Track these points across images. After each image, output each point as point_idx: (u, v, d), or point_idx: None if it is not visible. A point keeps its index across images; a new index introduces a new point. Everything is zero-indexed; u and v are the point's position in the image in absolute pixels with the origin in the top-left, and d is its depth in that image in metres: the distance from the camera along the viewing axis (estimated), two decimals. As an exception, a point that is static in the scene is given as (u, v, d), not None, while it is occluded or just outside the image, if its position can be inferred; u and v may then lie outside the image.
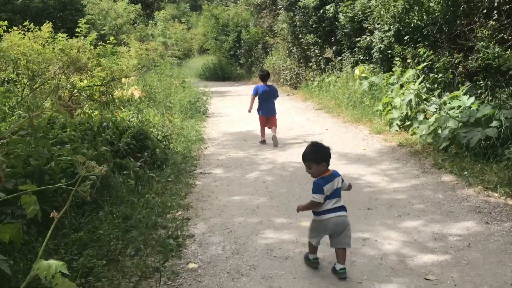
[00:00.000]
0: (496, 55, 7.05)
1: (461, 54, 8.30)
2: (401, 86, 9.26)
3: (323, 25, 14.25)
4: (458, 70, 8.40)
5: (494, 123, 6.02)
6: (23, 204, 2.79)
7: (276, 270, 3.64)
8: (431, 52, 8.82)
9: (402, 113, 8.31)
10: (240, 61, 24.25)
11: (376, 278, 3.46)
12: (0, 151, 3.46)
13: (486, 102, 6.96)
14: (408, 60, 9.73)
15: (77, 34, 11.81)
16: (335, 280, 3.46)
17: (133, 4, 21.83)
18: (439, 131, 6.84)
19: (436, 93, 8.39)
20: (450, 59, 8.56)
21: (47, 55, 9.81)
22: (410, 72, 8.99)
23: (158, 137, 7.59)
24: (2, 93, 8.12)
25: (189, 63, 29.75)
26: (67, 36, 10.77)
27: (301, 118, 10.88)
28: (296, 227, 4.47)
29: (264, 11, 20.30)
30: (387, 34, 10.53)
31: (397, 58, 10.28)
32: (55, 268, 2.18)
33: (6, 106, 7.48)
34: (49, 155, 4.48)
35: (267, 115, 8.47)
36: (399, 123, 8.32)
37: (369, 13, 11.21)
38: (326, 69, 14.41)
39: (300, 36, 15.55)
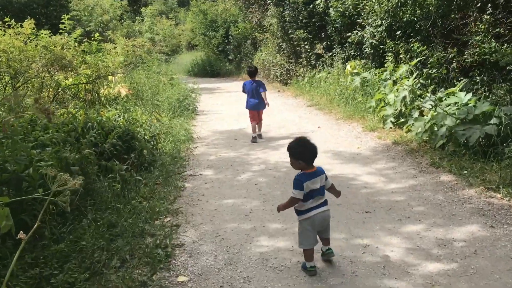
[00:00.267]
0: (492, 49, 6.86)
1: (455, 49, 8.12)
2: (394, 82, 9.07)
3: (313, 20, 14.00)
4: (452, 65, 8.21)
5: (493, 120, 5.82)
6: (-6, 219, 2.52)
7: (273, 283, 3.41)
8: (425, 47, 8.62)
9: (396, 109, 8.10)
10: (229, 57, 23.94)
11: (380, 289, 3.24)
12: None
13: (483, 98, 6.79)
14: (401, 56, 9.55)
15: (60, 31, 11.43)
16: (336, 292, 3.23)
17: (119, 0, 21.41)
18: (435, 128, 6.65)
19: (430, 89, 8.20)
20: (444, 54, 8.37)
21: (30, 53, 9.46)
22: (404, 68, 8.80)
23: (146, 137, 7.31)
24: (-19, 93, 7.78)
25: (177, 60, 29.36)
26: (50, 32, 10.43)
27: (293, 115, 10.65)
28: (292, 233, 4.23)
29: (253, 6, 19.99)
30: (379, 29, 10.33)
31: (389, 54, 10.09)
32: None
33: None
34: (28, 160, 4.19)
35: (255, 109, 8.56)
36: (393, 120, 8.11)
37: (361, 8, 10.99)
38: (317, 65, 14.19)
39: (290, 31, 15.30)
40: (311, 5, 13.81)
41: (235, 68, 23.36)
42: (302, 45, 14.70)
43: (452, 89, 7.14)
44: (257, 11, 19.75)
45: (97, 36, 11.41)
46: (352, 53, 12.12)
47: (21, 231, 2.21)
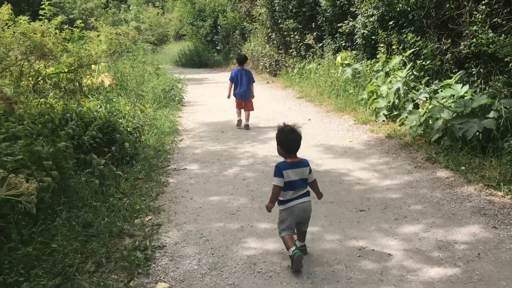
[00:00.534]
0: (490, 40, 6.60)
1: (449, 40, 7.86)
2: (387, 73, 8.81)
3: (304, 9, 13.67)
4: (447, 56, 7.95)
5: (492, 114, 5.57)
6: None
7: (261, 291, 3.12)
8: (418, 38, 8.35)
9: (389, 102, 7.84)
10: (217, 48, 23.53)
11: (377, 298, 2.97)
12: None
13: (479, 91, 6.54)
14: (394, 47, 9.27)
15: (40, 17, 10.96)
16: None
17: (104, -13, 20.88)
18: (430, 122, 6.39)
19: (423, 81, 7.95)
20: (438, 45, 8.11)
21: (7, 39, 9.05)
22: (397, 59, 8.51)
23: (128, 129, 6.96)
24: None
25: (164, 50, 28.87)
26: (29, 19, 9.99)
27: (282, 107, 10.34)
28: (281, 234, 3.94)
29: (242, -4, 19.61)
30: (371, 19, 10.03)
31: (381, 45, 9.80)
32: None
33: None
34: (-6, 154, 3.85)
35: (242, 99, 8.62)
36: (386, 112, 7.85)
37: (353, -3, 10.70)
38: (307, 55, 13.85)
39: (279, 21, 14.94)
40: (302, -6, 13.48)
41: (223, 59, 22.96)
42: (292, 36, 14.36)
43: (448, 81, 6.88)
44: (246, 0, 19.36)
45: (80, 23, 10.96)
46: (343, 44, 11.84)
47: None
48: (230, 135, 7.88)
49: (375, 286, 3.10)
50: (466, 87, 6.43)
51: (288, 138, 3.51)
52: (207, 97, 12.63)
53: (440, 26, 8.39)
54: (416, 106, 7.14)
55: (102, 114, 6.83)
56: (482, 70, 6.99)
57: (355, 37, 10.96)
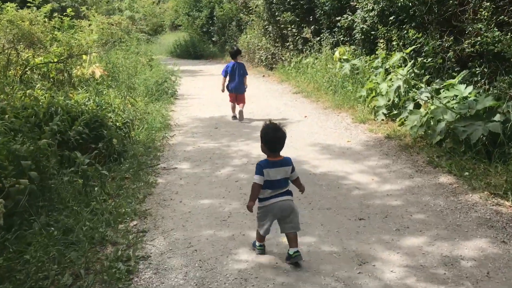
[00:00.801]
0: (496, 39, 6.34)
1: (451, 38, 7.60)
2: (386, 70, 8.54)
3: (301, 2, 13.34)
4: (448, 55, 7.68)
5: (498, 117, 5.32)
6: None
7: (252, 312, 2.86)
8: (420, 34, 8.07)
9: (389, 100, 7.57)
10: (213, 39, 23.14)
11: (379, 323, 2.71)
12: None
13: (483, 91, 6.28)
14: (394, 43, 9.00)
15: (28, 4, 10.57)
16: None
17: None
18: (432, 123, 6.14)
19: (424, 80, 7.69)
20: (440, 43, 7.84)
21: (-7, 27, 8.70)
22: (397, 56, 8.24)
23: (118, 123, 6.67)
24: None
25: (159, 40, 28.43)
26: (17, 6, 9.61)
27: (278, 102, 10.05)
28: (275, 244, 3.68)
29: (239, -14, 19.21)
30: (371, 14, 9.75)
31: (381, 40, 9.53)
32: None
33: None
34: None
35: (235, 92, 8.57)
36: (385, 111, 7.59)
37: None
38: (304, 49, 13.54)
39: (276, 13, 14.60)
40: (300, -14, 13.16)
41: (219, 51, 22.59)
42: (289, 29, 14.03)
43: (451, 81, 6.61)
44: (243, -9, 18.97)
45: (70, 11, 10.59)
46: (342, 39, 11.54)
47: None
48: (224, 131, 7.60)
49: (376, 309, 2.84)
50: (470, 87, 6.17)
51: (272, 137, 3.43)
52: (201, 90, 12.31)
53: (442, 22, 8.11)
54: (417, 106, 6.89)
55: (90, 108, 6.52)
56: (486, 70, 6.74)
57: (354, 32, 10.67)
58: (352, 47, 10.86)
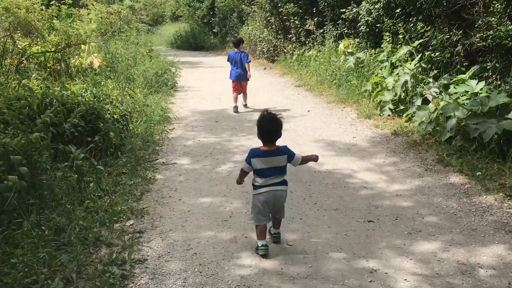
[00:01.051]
0: (510, 33, 6.10)
1: (460, 31, 7.35)
2: (392, 64, 8.30)
3: (305, -7, 13.09)
4: (457, 48, 7.44)
5: (512, 115, 5.10)
6: None
7: (256, 324, 2.65)
8: (428, 27, 7.82)
9: (395, 95, 7.34)
10: (214, 30, 22.83)
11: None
12: None
13: (494, 87, 6.05)
14: (400, 36, 8.75)
15: (25, -9, 10.30)
16: None
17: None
18: (441, 119, 5.91)
19: (432, 74, 7.45)
20: (448, 36, 7.59)
21: (-12, 15, 8.43)
22: (404, 49, 7.99)
23: (115, 116, 6.43)
24: None
25: (160, 31, 28.12)
26: (14, -7, 9.36)
27: (280, 95, 9.81)
28: (280, 247, 3.47)
29: (241, -23, 18.90)
30: (376, 6, 9.50)
31: (386, 33, 9.29)
32: None
33: None
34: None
35: (237, 80, 8.59)
36: (391, 107, 7.35)
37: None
38: (307, 42, 13.28)
39: (279, 5, 14.32)
40: (303, -23, 12.87)
41: (219, 42, 22.30)
42: (291, 20, 13.77)
43: (462, 76, 6.37)
44: (245, -18, 18.66)
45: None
46: (346, 31, 11.27)
47: None
48: (225, 125, 7.36)
49: (390, 322, 2.63)
50: (482, 83, 5.94)
51: (266, 127, 3.39)
52: (201, 82, 12.07)
53: (451, 15, 7.86)
54: (425, 102, 6.65)
55: (86, 100, 6.28)
56: (498, 65, 6.50)
57: (359, 24, 10.43)
58: (356, 40, 10.61)
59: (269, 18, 15.50)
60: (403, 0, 8.68)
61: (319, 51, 12.03)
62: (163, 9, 29.32)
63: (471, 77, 6.32)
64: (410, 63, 7.40)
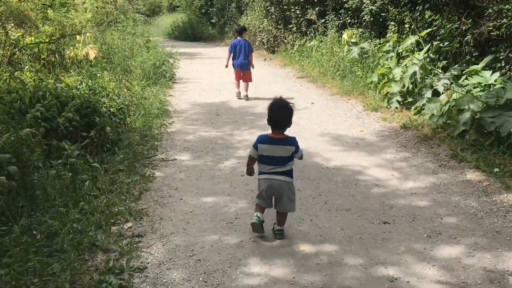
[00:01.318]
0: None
1: (470, 20, 7.06)
2: (398, 55, 8.02)
3: (306, -18, 12.75)
4: (466, 38, 7.15)
5: (530, 108, 4.83)
6: None
7: None
8: (437, 16, 7.52)
9: (403, 87, 7.06)
10: (212, 21, 22.45)
11: None
12: None
13: (508, 79, 5.78)
14: (406, 25, 8.46)
15: (17, -20, 9.93)
16: None
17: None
18: (453, 112, 5.64)
19: (440, 65, 7.18)
20: (457, 25, 7.30)
21: (-22, 4, 8.10)
22: (411, 39, 7.69)
23: (112, 109, 6.14)
24: None
25: (157, 21, 27.70)
26: (4, -19, 8.99)
27: (282, 87, 9.52)
28: (291, 253, 3.21)
29: (239, -34, 18.52)
30: (381, -6, 9.21)
31: (392, 23, 8.99)
32: None
33: None
34: None
35: (240, 68, 8.61)
36: (399, 99, 7.07)
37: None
38: (308, 32, 12.97)
39: (279, -6, 14.01)
40: (304, -35, 12.52)
41: (218, 33, 21.93)
42: (292, 10, 13.44)
43: (475, 66, 6.09)
44: (243, -29, 18.28)
45: (62, -12, 9.98)
46: (349, 21, 10.95)
47: None
48: (226, 118, 7.08)
49: None
50: (497, 74, 5.67)
51: (276, 113, 3.37)
52: (200, 73, 11.76)
53: (459, 3, 7.56)
54: (435, 94, 6.38)
55: (82, 92, 5.99)
56: (511, 55, 6.22)
57: (362, 13, 10.13)
58: (360, 29, 10.31)
59: (268, 7, 15.18)
60: (409, -13, 8.40)
61: (321, 42, 11.72)
62: (160, -1, 28.91)
63: (484, 68, 6.04)
64: (419, 54, 7.11)
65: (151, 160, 5.15)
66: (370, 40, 9.66)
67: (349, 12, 10.93)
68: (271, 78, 10.77)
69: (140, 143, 5.65)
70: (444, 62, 7.21)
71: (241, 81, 8.65)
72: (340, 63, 9.86)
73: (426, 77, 6.84)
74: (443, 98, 5.92)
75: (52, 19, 9.28)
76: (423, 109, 6.42)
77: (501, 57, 6.29)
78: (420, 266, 3.02)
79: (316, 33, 12.36)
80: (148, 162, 5.08)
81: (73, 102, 5.43)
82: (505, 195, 4.05)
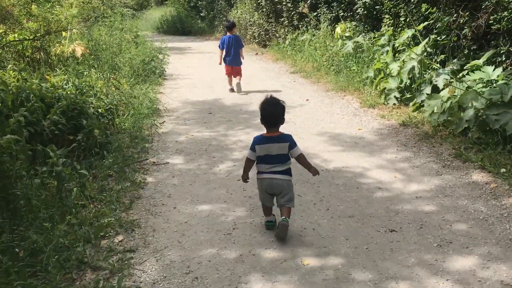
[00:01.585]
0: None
1: (467, 13, 6.87)
2: (394, 49, 7.82)
3: (298, -26, 12.49)
4: (463, 32, 6.96)
5: (537, 105, 4.65)
6: None
7: None
8: (434, 9, 7.32)
9: (401, 83, 6.86)
10: (201, 14, 22.11)
11: None
12: None
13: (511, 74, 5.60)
14: (401, 19, 8.26)
15: (-2, -26, 9.57)
16: None
17: None
18: (455, 109, 5.46)
19: (438, 60, 6.99)
20: (455, 18, 7.10)
21: (-42, -1, 7.76)
22: (408, 33, 7.49)
23: (100, 110, 5.88)
24: None
25: (145, 15, 27.27)
26: (-15, -24, 8.65)
27: (275, 83, 9.28)
28: (295, 268, 3.00)
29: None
30: (375, -14, 8.99)
31: (386, 16, 8.78)
32: None
33: None
34: None
35: (231, 64, 8.66)
36: (397, 95, 6.88)
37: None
38: (300, 25, 12.73)
39: (270, -13, 13.73)
40: (296, -43, 12.25)
41: (207, 27, 21.61)
42: (283, 3, 13.18)
43: (476, 61, 5.90)
44: (233, -37, 17.95)
45: (46, -18, 9.62)
46: (342, 14, 10.72)
47: None
48: (219, 117, 6.84)
49: None
50: (500, 69, 5.48)
51: (267, 111, 3.40)
52: (191, 69, 11.50)
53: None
54: (435, 90, 6.19)
55: (68, 93, 5.72)
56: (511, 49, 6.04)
57: (356, 6, 9.91)
58: (353, 23, 10.09)
59: (259, 1, 14.90)
60: (404, -22, 8.18)
61: (314, 36, 11.48)
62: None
63: (485, 63, 5.86)
64: (417, 48, 6.91)
65: (142, 164, 4.92)
66: (364, 34, 9.45)
67: (342, 5, 10.71)
68: (264, 73, 10.53)
69: (130, 145, 5.40)
70: (442, 56, 7.02)
71: (232, 77, 8.71)
72: (334, 57, 9.64)
73: (424, 72, 6.65)
74: (443, 94, 5.73)
75: (36, 15, 8.96)
76: (422, 105, 6.24)
77: (501, 52, 6.12)
78: (433, 280, 2.82)
79: (308, 27, 12.13)
80: (138, 167, 4.84)
81: (59, 103, 5.18)
82: (515, 198, 3.87)
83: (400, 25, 8.30)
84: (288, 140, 3.38)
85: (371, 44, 8.90)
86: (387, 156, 5.05)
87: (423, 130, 5.73)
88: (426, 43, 7.09)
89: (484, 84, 5.47)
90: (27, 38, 8.62)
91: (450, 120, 5.46)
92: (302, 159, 3.44)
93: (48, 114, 4.97)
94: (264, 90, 8.50)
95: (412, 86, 6.72)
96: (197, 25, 22.34)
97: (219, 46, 8.82)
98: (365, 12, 9.61)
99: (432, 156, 4.97)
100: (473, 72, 5.68)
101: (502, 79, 5.38)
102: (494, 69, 5.50)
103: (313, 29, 11.78)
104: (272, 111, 3.39)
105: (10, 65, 7.31)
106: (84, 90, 6.33)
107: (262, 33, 15.11)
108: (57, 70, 7.87)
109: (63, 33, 9.82)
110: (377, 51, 8.43)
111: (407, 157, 4.99)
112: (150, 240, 3.38)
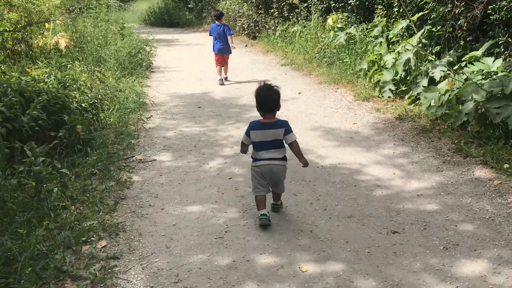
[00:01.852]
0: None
1: (462, 3, 6.67)
2: (387, 40, 7.61)
3: (288, -36, 12.20)
4: (459, 22, 6.77)
5: (540, 97, 4.47)
6: None
7: None
8: (430, -1, 7.11)
9: (397, 75, 6.65)
10: (189, 6, 21.73)
11: None
12: None
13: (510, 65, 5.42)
14: (395, 9, 8.06)
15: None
16: None
17: None
18: (453, 102, 5.26)
19: (434, 51, 6.79)
20: (450, 9, 6.91)
21: None
22: (403, 24, 7.27)
23: (83, 104, 5.61)
24: None
25: (132, 7, 26.76)
26: (-38, -36, 8.27)
27: (266, 76, 9.03)
28: (292, 275, 2.78)
29: None
30: (367, -24, 8.77)
31: (379, 7, 8.57)
32: None
33: None
34: None
35: (220, 53, 8.63)
36: (392, 88, 6.67)
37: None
38: (290, 17, 12.48)
39: (259, -23, 13.45)
40: None
41: (195, 18, 21.26)
42: (273, -6, 12.92)
43: (475, 52, 5.70)
44: (221, -47, 17.59)
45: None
46: (333, 5, 10.48)
47: None
48: (208, 111, 6.59)
49: None
50: (499, 61, 5.29)
51: (263, 98, 3.38)
52: (179, 61, 11.21)
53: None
54: (432, 82, 5.99)
55: (49, 86, 5.43)
56: (511, 40, 5.85)
57: (348, -4, 9.69)
58: (345, 14, 9.85)
59: (248, -9, 14.61)
60: (397, -31, 7.96)
61: (304, 27, 11.24)
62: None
63: (484, 54, 5.67)
64: (412, 39, 6.70)
65: (127, 162, 4.66)
66: (356, 25, 9.23)
67: (333, -4, 10.48)
68: (254, 65, 10.28)
69: (115, 141, 5.14)
70: (437, 47, 6.83)
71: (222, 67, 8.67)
72: (326, 49, 9.41)
73: (420, 64, 6.45)
74: (441, 86, 5.52)
75: (16, 5, 8.60)
76: (419, 98, 6.04)
77: (500, 42, 5.93)
78: (441, 287, 2.62)
79: (299, 18, 11.88)
80: (124, 164, 4.58)
81: (40, 98, 4.90)
82: (521, 195, 3.69)
83: (394, 15, 8.10)
84: (284, 125, 3.36)
85: (364, 35, 8.69)
86: (384, 151, 4.84)
87: (420, 123, 5.53)
88: (421, 34, 6.89)
89: (484, 76, 5.28)
90: (7, 29, 8.29)
91: (448, 114, 5.27)
92: (295, 147, 3.40)
93: (28, 109, 4.70)
94: (255, 82, 8.24)
95: (408, 78, 6.52)
96: (185, 16, 21.98)
97: (210, 34, 8.84)
98: (357, 2, 9.41)
99: (431, 151, 4.77)
100: (472, 64, 5.48)
101: (502, 71, 5.20)
102: (494, 61, 5.30)
103: (304, 20, 11.54)
104: (268, 96, 3.36)
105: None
106: (67, 84, 6.06)
107: (251, 24, 14.83)
108: (39, 62, 7.56)
109: (46, 25, 9.48)
110: (370, 43, 8.22)
111: (405, 152, 4.79)
112: (135, 245, 3.13)
